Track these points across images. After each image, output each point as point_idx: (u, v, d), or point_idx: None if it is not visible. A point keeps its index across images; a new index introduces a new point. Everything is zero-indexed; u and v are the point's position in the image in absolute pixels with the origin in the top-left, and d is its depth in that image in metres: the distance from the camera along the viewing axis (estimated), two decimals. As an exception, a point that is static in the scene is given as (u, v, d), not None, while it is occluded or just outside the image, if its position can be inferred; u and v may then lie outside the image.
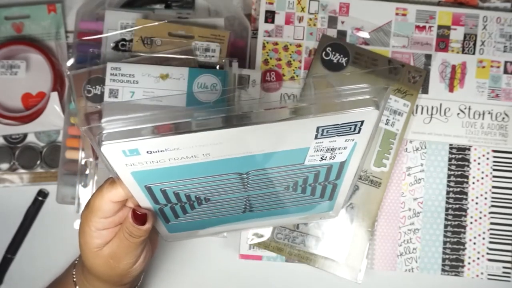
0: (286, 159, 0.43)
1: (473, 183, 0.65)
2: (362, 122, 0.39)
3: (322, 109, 0.37)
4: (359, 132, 0.40)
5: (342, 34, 0.66)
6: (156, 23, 0.65)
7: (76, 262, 0.54)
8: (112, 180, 0.44)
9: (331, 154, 0.43)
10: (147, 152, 0.38)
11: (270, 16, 0.67)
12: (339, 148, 0.42)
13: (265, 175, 0.45)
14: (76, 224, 0.65)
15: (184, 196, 0.45)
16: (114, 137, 0.37)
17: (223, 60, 0.65)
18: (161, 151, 0.38)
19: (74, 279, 0.52)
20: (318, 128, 0.39)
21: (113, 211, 0.45)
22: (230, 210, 0.50)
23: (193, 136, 0.37)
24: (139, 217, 0.44)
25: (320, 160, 0.43)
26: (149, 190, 0.43)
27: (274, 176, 0.45)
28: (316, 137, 0.40)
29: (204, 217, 0.51)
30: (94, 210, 0.45)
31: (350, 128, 0.39)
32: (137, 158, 0.38)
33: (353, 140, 0.41)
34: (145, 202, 0.45)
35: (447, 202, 0.65)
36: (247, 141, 0.39)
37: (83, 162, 0.65)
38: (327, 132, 0.39)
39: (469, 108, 0.66)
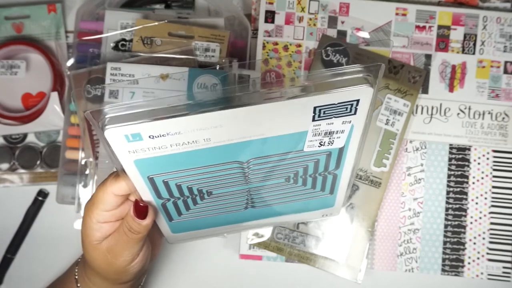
0: (286, 145, 0.43)
1: (473, 183, 0.65)
2: (358, 101, 0.39)
3: (317, 90, 0.38)
4: (355, 112, 0.40)
5: (342, 34, 0.66)
6: (156, 23, 0.65)
7: (79, 260, 0.54)
8: (117, 173, 0.44)
9: (329, 138, 0.43)
10: (150, 137, 0.38)
11: (270, 16, 0.67)
12: (337, 132, 0.42)
13: (266, 164, 0.45)
14: (76, 224, 0.66)
15: (187, 189, 0.45)
16: (117, 121, 0.37)
17: (223, 60, 0.65)
18: (163, 135, 0.38)
19: (76, 276, 0.53)
20: (315, 109, 0.39)
21: (115, 204, 0.45)
22: (233, 206, 0.50)
23: (194, 118, 0.37)
24: (141, 210, 0.45)
25: (319, 146, 0.43)
26: (152, 182, 0.44)
27: (274, 165, 0.45)
28: (313, 119, 0.40)
29: (207, 214, 0.50)
30: (96, 202, 0.45)
31: (347, 108, 0.40)
32: (140, 144, 0.39)
33: (350, 122, 0.41)
34: (147, 196, 0.45)
35: (447, 202, 0.65)
36: (246, 123, 0.39)
37: (83, 162, 0.65)
38: (324, 113, 0.40)
39: (469, 108, 0.66)
